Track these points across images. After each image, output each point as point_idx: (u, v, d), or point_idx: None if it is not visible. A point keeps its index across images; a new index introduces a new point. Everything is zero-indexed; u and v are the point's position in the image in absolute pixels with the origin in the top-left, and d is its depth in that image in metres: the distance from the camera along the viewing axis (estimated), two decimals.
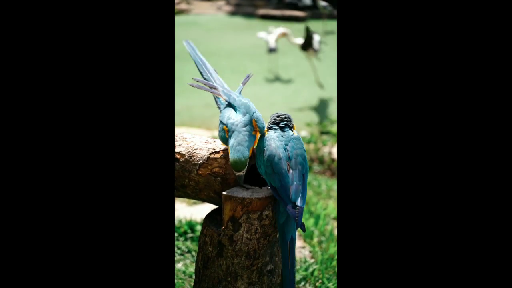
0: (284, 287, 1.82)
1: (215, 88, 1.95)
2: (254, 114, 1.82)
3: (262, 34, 8.01)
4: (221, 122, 1.86)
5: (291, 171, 1.75)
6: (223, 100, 1.94)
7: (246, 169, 1.77)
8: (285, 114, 1.87)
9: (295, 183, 1.73)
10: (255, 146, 1.84)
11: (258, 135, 1.84)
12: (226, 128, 1.81)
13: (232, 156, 1.75)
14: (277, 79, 7.79)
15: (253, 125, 1.80)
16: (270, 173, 1.75)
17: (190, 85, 1.96)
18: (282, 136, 1.81)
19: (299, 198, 1.72)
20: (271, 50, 7.76)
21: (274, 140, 1.79)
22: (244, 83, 2.02)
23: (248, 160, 1.75)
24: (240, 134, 1.77)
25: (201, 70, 2.06)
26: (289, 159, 1.76)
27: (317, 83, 7.15)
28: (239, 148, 1.75)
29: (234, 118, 1.82)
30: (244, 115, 1.82)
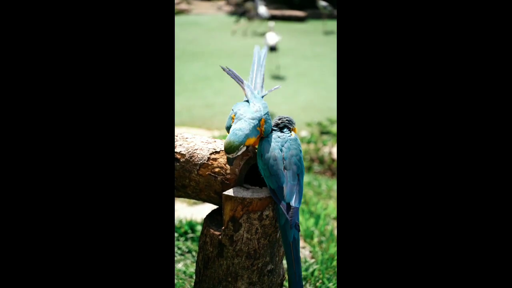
0: (291, 286, 1.83)
1: (241, 81, 1.99)
2: (266, 115, 1.84)
3: (267, 40, 7.98)
4: (232, 110, 1.88)
5: (285, 171, 1.76)
6: (246, 97, 1.96)
7: (236, 154, 1.76)
8: (286, 117, 1.88)
9: (289, 183, 1.74)
10: (256, 146, 1.85)
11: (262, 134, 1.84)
12: (234, 116, 1.83)
13: (228, 137, 1.75)
14: (277, 79, 7.79)
15: (260, 123, 1.81)
16: (268, 175, 1.76)
17: (221, 68, 2.04)
18: (279, 137, 1.82)
19: (293, 198, 1.73)
20: (272, 49, 7.76)
21: (270, 142, 1.80)
22: (269, 91, 2.05)
23: (241, 146, 1.75)
24: (245, 122, 1.78)
25: (251, 70, 2.08)
26: (284, 159, 1.77)
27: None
28: (237, 132, 1.75)
29: (245, 110, 1.83)
30: (256, 112, 1.82)
